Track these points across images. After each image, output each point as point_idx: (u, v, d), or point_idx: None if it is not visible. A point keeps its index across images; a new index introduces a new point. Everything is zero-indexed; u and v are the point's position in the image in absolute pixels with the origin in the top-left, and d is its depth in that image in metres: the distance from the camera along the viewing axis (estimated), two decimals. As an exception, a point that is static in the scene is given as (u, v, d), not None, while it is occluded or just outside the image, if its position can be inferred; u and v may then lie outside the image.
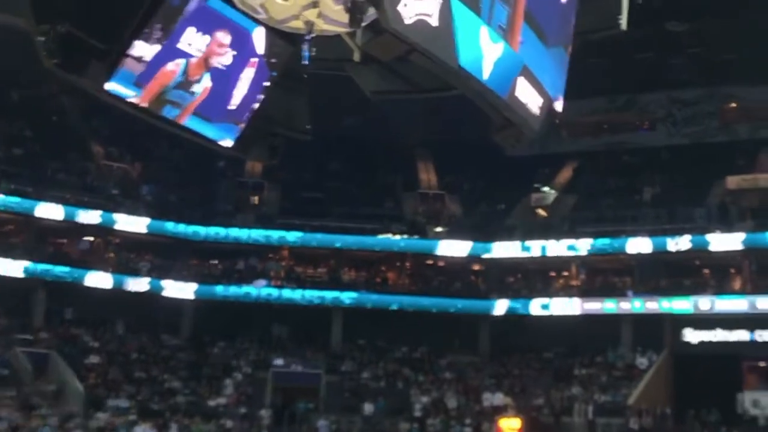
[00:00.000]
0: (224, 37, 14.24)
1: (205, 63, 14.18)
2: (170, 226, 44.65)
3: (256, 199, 48.29)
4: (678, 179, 46.54)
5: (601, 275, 45.80)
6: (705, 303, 41.39)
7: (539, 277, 46.63)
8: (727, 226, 42.44)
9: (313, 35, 12.85)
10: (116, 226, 43.39)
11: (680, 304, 41.76)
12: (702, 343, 40.22)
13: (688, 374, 38.76)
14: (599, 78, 41.17)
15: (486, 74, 12.65)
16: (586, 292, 44.55)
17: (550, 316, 44.12)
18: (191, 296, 44.46)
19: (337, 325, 46.23)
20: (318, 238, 46.02)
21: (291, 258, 47.24)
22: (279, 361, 42.73)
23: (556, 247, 44.86)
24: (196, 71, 14.17)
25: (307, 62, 13.12)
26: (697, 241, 42.25)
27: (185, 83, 14.17)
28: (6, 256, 40.60)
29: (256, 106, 15.16)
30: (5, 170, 42.15)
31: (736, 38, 38.92)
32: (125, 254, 44.91)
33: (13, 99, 46.31)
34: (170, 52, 13.60)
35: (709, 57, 42.05)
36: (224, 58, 14.45)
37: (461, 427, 39.05)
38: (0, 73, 44.88)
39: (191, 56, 13.91)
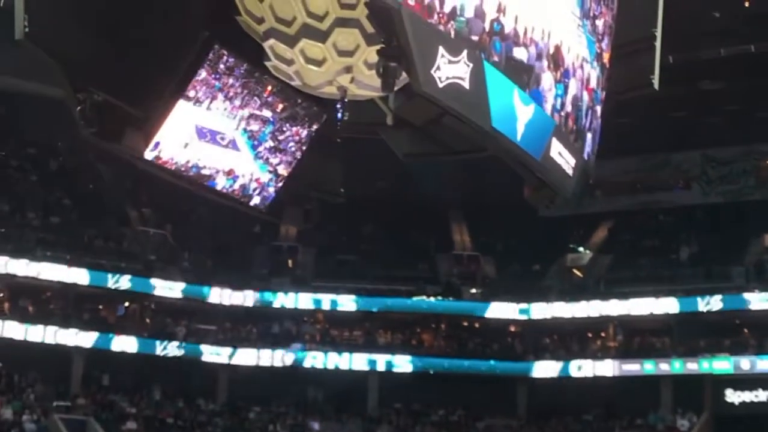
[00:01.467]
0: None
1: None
2: (206, 290, 44.79)
3: (290, 263, 48.37)
4: (715, 238, 46.17)
5: (638, 336, 45.32)
6: (745, 363, 40.84)
7: (576, 338, 46.24)
8: (766, 285, 41.98)
9: (347, 100, 12.97)
10: (152, 292, 43.61)
11: (720, 365, 41.23)
12: (743, 404, 39.66)
13: (730, 435, 38.19)
14: (633, 137, 41.10)
15: (519, 135, 12.68)
16: (624, 353, 44.09)
17: (588, 378, 43.66)
18: (226, 361, 44.41)
19: (373, 389, 45.97)
20: (353, 301, 45.94)
21: (326, 321, 47.17)
22: (315, 426, 42.48)
23: (593, 308, 44.52)
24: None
25: (340, 127, 13.24)
26: (735, 300, 41.82)
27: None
28: (44, 323, 40.84)
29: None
30: (43, 238, 42.60)
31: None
32: (161, 319, 45.04)
33: (51, 168, 46.99)
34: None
35: (744, 115, 41.93)
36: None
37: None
38: (39, 143, 45.77)
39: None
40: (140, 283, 43.12)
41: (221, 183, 14.77)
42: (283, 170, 15.31)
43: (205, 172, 14.35)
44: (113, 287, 42.60)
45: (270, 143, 14.94)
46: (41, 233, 42.96)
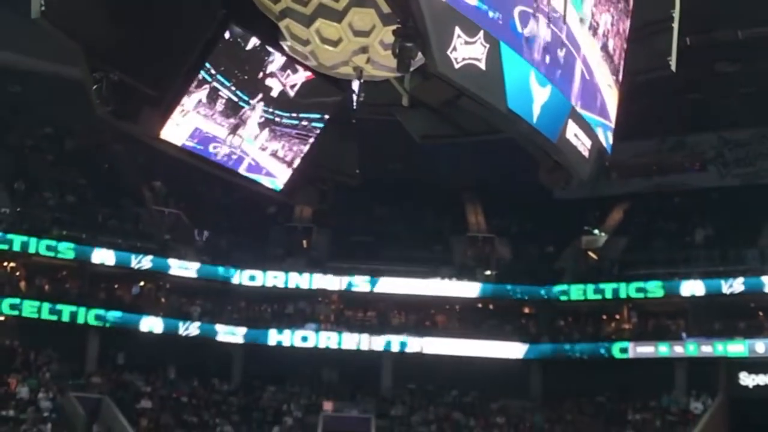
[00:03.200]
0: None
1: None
2: (221, 270, 44.97)
3: (305, 244, 48.47)
4: (730, 220, 46.03)
5: (653, 318, 45.32)
6: (760, 346, 40.78)
7: (591, 320, 46.27)
8: (781, 268, 41.96)
9: (362, 81, 12.94)
10: (168, 271, 43.78)
11: (735, 348, 41.19)
12: (758, 387, 39.65)
13: (744, 418, 38.20)
14: (649, 119, 40.96)
15: (535, 117, 12.65)
16: (638, 336, 44.08)
17: (602, 360, 43.69)
18: (241, 341, 44.60)
19: (387, 369, 46.13)
20: (367, 282, 46.02)
21: (340, 302, 47.30)
22: (329, 406, 42.67)
23: (607, 290, 44.51)
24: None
25: (356, 107, 13.21)
26: (751, 283, 41.74)
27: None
28: (60, 301, 41.08)
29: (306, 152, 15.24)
30: (59, 217, 42.81)
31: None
32: (177, 299, 45.24)
33: (67, 148, 47.14)
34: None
35: (760, 97, 41.72)
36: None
37: (513, 473, 38.72)
38: (55, 123, 45.89)
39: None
40: (156, 263, 43.29)
41: (237, 165, 14.75)
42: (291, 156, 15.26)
43: (220, 152, 14.35)
44: (129, 267, 42.79)
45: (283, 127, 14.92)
46: (57, 213, 43.16)
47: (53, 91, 39.18)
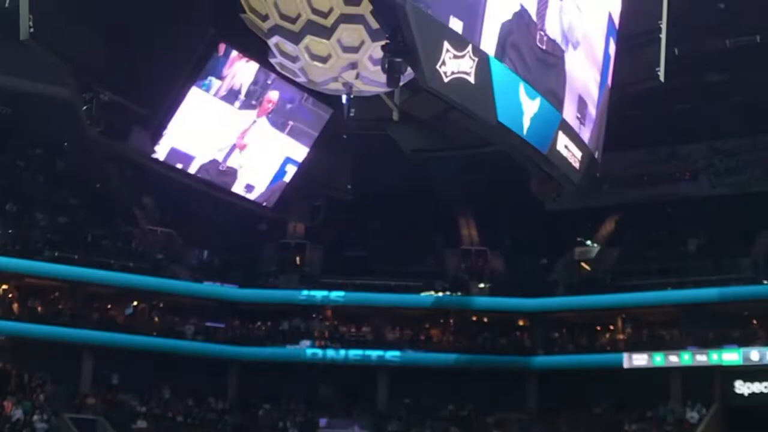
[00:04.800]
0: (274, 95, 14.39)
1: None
2: (215, 289, 44.86)
3: (298, 260, 48.42)
4: (723, 229, 46.06)
5: (647, 328, 45.34)
6: (755, 354, 40.77)
7: (584, 331, 46.28)
8: (775, 275, 42.02)
9: (353, 96, 12.98)
10: (161, 290, 43.64)
11: (729, 356, 41.17)
12: (753, 395, 39.63)
13: (740, 427, 38.16)
14: (639, 130, 41.06)
15: (525, 129, 12.68)
16: (633, 346, 44.07)
17: (597, 371, 43.65)
18: (236, 358, 44.48)
19: (382, 384, 46.04)
20: (361, 297, 45.96)
21: (335, 318, 47.23)
22: (323, 422, 42.53)
23: (601, 301, 44.54)
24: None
25: (347, 122, 13.25)
26: (744, 291, 41.76)
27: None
28: (53, 322, 40.97)
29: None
30: (51, 238, 42.70)
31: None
32: (170, 318, 45.13)
33: (58, 168, 47.06)
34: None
35: (750, 106, 41.83)
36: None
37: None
38: (45, 143, 45.83)
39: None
40: (148, 282, 43.18)
41: (231, 183, 14.76)
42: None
43: (212, 172, 14.37)
44: (122, 286, 42.69)
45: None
46: (48, 233, 43.06)
47: (44, 111, 39.11)
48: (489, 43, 11.75)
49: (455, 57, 11.05)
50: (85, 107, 12.79)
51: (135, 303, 44.60)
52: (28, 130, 43.48)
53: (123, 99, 12.83)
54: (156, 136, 13.22)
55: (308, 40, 12.15)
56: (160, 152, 13.44)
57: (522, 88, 12.65)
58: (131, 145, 13.48)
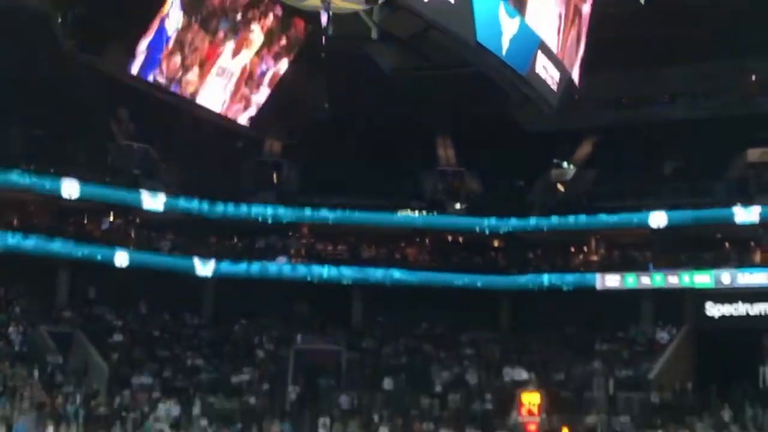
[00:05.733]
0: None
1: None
2: (190, 204, 44.72)
3: (275, 178, 48.29)
4: (698, 153, 46.22)
5: (620, 250, 45.72)
6: (726, 277, 41.25)
7: (559, 252, 46.63)
8: (748, 199, 42.25)
9: (331, 13, 12.89)
10: (137, 205, 43.47)
11: (701, 278, 41.65)
12: (723, 317, 40.22)
13: (710, 348, 38.75)
14: (618, 52, 40.86)
15: (504, 50, 12.66)
16: (605, 267, 44.47)
17: (570, 291, 44.09)
18: (212, 274, 44.57)
19: (357, 302, 46.44)
20: (337, 216, 46.02)
21: (311, 236, 47.35)
22: (299, 339, 42.91)
23: (576, 222, 44.79)
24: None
25: (325, 40, 13.18)
26: (717, 214, 42.10)
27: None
28: (29, 235, 40.81)
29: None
30: (26, 152, 42.31)
31: (757, 11, 38.57)
32: (146, 233, 45.06)
33: (32, 81, 46.45)
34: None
35: (730, 29, 41.66)
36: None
37: (482, 403, 39.18)
38: (19, 56, 45.16)
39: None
40: (125, 197, 42.97)
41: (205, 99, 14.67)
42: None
43: (188, 87, 14.25)
44: (99, 201, 42.46)
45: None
46: (24, 147, 42.62)
47: (18, 24, 38.51)
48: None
49: (435, -25, 10.97)
50: (59, 20, 12.63)
51: (111, 218, 44.48)
52: (1, 43, 42.83)
53: (99, 12, 12.69)
54: (131, 51, 13.09)
55: (287, -45, 12.02)
56: (135, 67, 13.32)
57: (502, 6, 12.58)
58: (107, 60, 13.36)
